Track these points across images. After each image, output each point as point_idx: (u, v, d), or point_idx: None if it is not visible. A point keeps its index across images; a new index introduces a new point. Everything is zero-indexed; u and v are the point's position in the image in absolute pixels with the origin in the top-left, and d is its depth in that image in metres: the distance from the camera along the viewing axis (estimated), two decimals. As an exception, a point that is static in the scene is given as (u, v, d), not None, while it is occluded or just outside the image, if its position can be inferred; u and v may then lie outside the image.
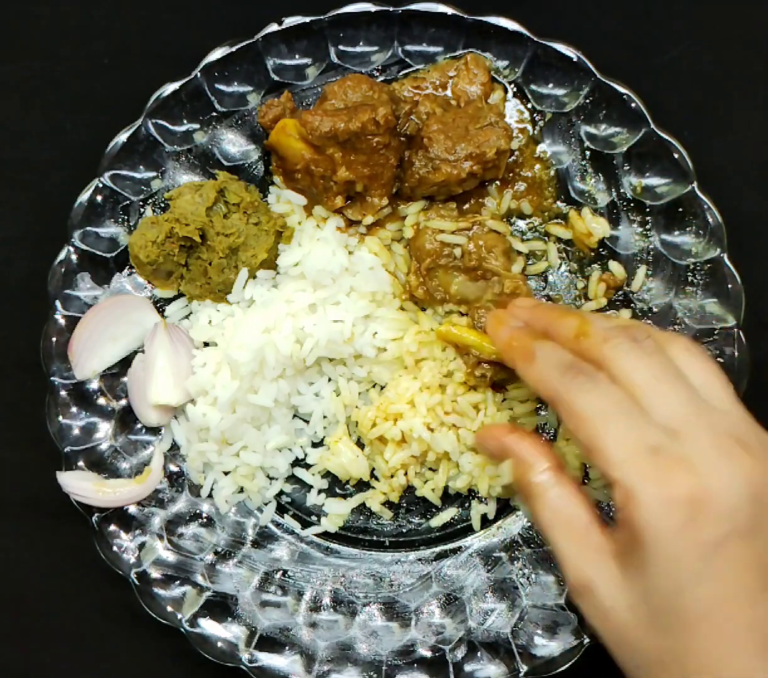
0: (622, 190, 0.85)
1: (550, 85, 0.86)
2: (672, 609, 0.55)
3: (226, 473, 0.85)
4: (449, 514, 0.86)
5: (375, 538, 0.86)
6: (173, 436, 0.86)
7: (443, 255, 0.85)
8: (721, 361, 0.81)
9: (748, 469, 0.56)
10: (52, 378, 0.83)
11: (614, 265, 0.85)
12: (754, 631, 0.54)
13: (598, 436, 0.59)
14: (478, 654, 0.79)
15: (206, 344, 0.86)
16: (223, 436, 0.83)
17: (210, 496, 0.86)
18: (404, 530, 0.86)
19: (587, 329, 0.66)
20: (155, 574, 0.82)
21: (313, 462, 0.86)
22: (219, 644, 0.80)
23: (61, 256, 0.84)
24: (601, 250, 0.87)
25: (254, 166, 0.89)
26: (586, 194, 0.87)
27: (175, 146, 0.86)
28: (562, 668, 0.78)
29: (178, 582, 0.82)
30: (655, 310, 0.85)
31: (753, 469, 0.56)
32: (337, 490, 0.87)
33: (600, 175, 0.86)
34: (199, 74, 0.84)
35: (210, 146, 0.87)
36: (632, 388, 0.60)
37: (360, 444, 0.86)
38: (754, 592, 0.54)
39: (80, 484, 0.81)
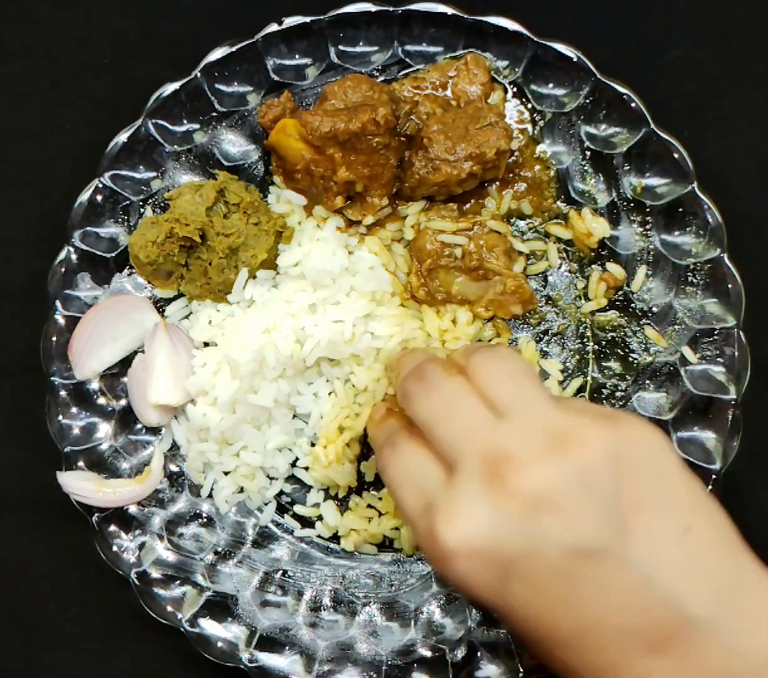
0: (622, 190, 0.85)
1: (550, 85, 0.86)
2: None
3: (226, 473, 0.85)
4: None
5: (375, 538, 0.86)
6: (173, 436, 0.86)
7: (444, 255, 0.85)
8: (721, 361, 0.82)
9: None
10: (52, 378, 0.83)
11: (613, 266, 0.85)
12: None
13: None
14: (478, 654, 0.79)
15: (206, 344, 0.86)
16: (223, 436, 0.83)
17: (210, 496, 0.86)
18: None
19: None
20: (155, 574, 0.82)
21: (304, 464, 0.86)
22: (219, 644, 0.80)
23: (61, 256, 0.84)
24: (601, 250, 0.87)
25: (254, 166, 0.89)
26: (586, 194, 0.87)
27: (175, 146, 0.86)
28: (562, 668, 0.78)
29: (178, 582, 0.82)
30: (655, 310, 0.85)
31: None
32: (331, 492, 0.87)
33: (600, 175, 0.86)
34: (199, 74, 0.84)
35: (210, 146, 0.87)
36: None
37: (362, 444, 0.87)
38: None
39: (80, 484, 0.81)
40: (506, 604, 0.53)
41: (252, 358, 0.81)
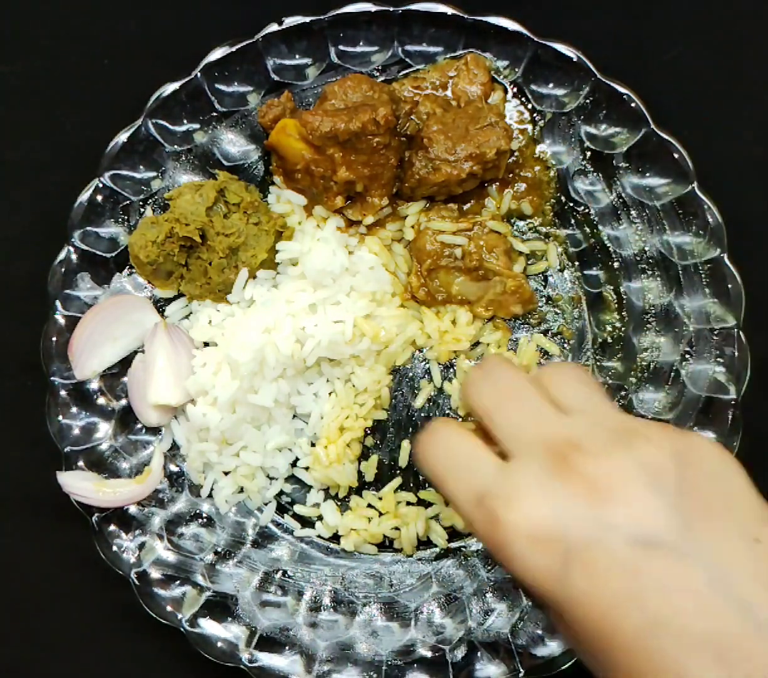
0: (622, 190, 0.85)
1: (550, 85, 0.86)
2: None
3: (226, 473, 0.85)
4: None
5: (375, 538, 0.86)
6: (173, 436, 0.86)
7: (444, 256, 0.85)
8: (721, 360, 0.82)
9: None
10: (52, 378, 0.83)
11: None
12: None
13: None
14: (478, 654, 0.79)
15: (206, 344, 0.86)
16: (223, 436, 0.83)
17: (210, 496, 0.86)
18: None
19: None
20: (155, 574, 0.82)
21: (304, 464, 0.86)
22: (219, 644, 0.80)
23: (61, 256, 0.84)
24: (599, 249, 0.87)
25: (254, 166, 0.89)
26: (586, 194, 0.87)
27: (175, 146, 0.86)
28: (562, 668, 0.78)
29: (178, 582, 0.82)
30: (655, 310, 0.85)
31: None
32: (331, 492, 0.87)
33: (600, 175, 0.86)
34: (199, 74, 0.84)
35: (210, 146, 0.87)
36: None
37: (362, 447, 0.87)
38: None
39: (80, 484, 0.81)
40: (565, 595, 0.50)
41: (252, 358, 0.81)
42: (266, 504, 0.86)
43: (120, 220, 0.86)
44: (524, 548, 0.51)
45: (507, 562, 0.52)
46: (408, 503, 0.86)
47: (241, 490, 0.85)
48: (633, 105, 0.83)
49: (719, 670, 0.46)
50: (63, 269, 0.84)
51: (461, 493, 0.56)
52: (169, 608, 0.81)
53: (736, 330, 0.81)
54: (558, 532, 0.50)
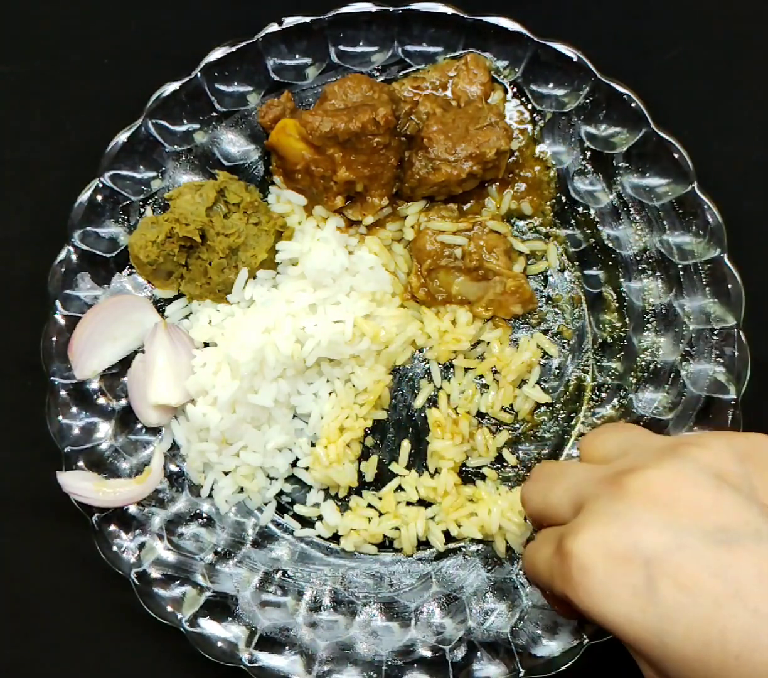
0: (622, 190, 0.85)
1: (550, 85, 0.86)
2: None
3: (226, 473, 0.85)
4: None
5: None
6: (173, 436, 0.86)
7: (444, 256, 0.85)
8: (721, 360, 0.82)
9: None
10: (52, 378, 0.83)
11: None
12: None
13: None
14: (478, 654, 0.79)
15: (206, 344, 0.86)
16: (223, 436, 0.83)
17: (210, 496, 0.86)
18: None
19: None
20: (155, 574, 0.82)
21: (304, 464, 0.86)
22: (219, 644, 0.80)
23: (61, 256, 0.84)
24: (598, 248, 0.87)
25: (254, 166, 0.89)
26: (586, 194, 0.87)
27: (175, 146, 0.86)
28: (562, 668, 0.78)
29: (178, 582, 0.82)
30: (655, 310, 0.85)
31: None
32: (331, 492, 0.87)
33: (600, 175, 0.86)
34: (199, 74, 0.84)
35: (210, 146, 0.87)
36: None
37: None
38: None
39: (80, 484, 0.81)
40: (658, 615, 0.46)
41: (252, 357, 0.81)
42: (266, 504, 0.86)
43: (120, 220, 0.86)
44: (601, 574, 0.48)
45: (587, 598, 0.49)
46: (408, 503, 0.86)
47: (241, 490, 0.85)
48: (633, 105, 0.83)
49: None
50: (63, 269, 0.84)
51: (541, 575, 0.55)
52: (169, 608, 0.81)
53: (736, 330, 0.81)
54: (631, 545, 0.48)
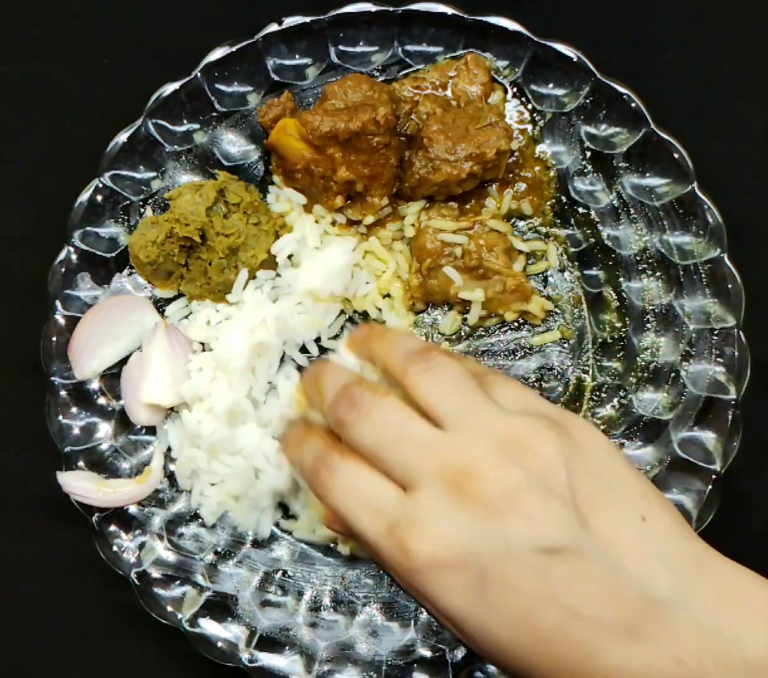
0: (622, 190, 0.85)
1: (550, 85, 0.86)
2: None
3: (213, 484, 0.84)
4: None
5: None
6: (168, 438, 0.85)
7: (444, 255, 0.85)
8: (721, 361, 0.82)
9: None
10: (52, 378, 0.83)
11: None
12: None
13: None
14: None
15: (203, 345, 0.86)
16: (213, 449, 0.81)
17: (210, 496, 0.86)
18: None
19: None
20: (155, 574, 0.82)
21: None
22: (219, 644, 0.80)
23: (61, 256, 0.84)
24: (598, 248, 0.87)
25: (254, 166, 0.89)
26: (586, 194, 0.87)
27: (175, 146, 0.86)
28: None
29: (178, 582, 0.82)
30: (655, 310, 0.85)
31: None
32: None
33: (600, 175, 0.86)
34: (199, 74, 0.84)
35: (210, 146, 0.87)
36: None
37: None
38: None
39: (80, 484, 0.81)
40: (483, 612, 0.53)
41: (240, 354, 0.80)
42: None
43: (120, 220, 0.86)
44: (439, 575, 0.53)
45: (423, 589, 0.54)
46: None
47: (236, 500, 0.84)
48: (633, 105, 0.83)
49: (629, 646, 0.50)
50: (63, 269, 0.84)
51: (367, 526, 0.57)
52: (169, 608, 0.81)
53: (736, 330, 0.81)
54: (468, 553, 0.53)
